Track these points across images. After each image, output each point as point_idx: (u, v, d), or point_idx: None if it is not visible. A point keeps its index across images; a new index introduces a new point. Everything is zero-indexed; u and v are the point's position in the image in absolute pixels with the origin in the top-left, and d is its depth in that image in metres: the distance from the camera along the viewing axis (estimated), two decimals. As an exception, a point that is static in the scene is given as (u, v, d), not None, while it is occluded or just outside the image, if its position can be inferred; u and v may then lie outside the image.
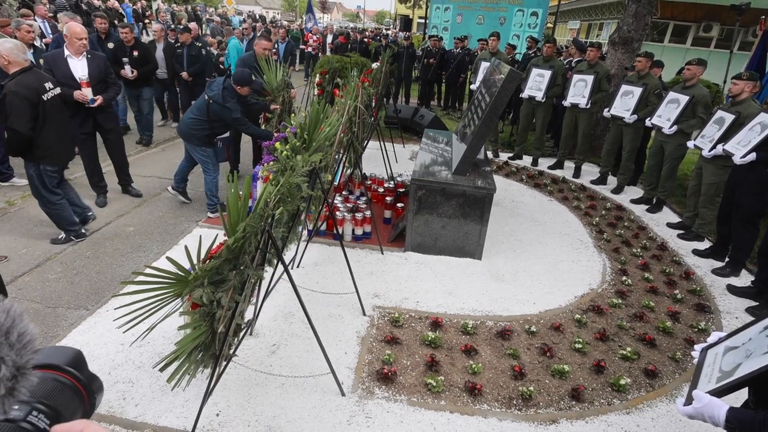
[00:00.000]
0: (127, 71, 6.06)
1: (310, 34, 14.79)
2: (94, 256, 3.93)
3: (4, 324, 0.44)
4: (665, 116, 5.35)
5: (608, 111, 6.05)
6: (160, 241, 4.25)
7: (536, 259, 4.37)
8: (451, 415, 2.60)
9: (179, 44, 7.15)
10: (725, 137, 4.46)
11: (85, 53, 4.36)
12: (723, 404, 1.53)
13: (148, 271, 1.66)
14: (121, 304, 1.67)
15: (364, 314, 3.37)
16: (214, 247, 1.89)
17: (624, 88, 5.92)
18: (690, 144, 5.06)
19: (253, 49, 5.21)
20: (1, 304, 0.45)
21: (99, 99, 4.40)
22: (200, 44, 7.39)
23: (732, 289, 4.11)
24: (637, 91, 5.74)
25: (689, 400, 1.63)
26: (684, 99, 5.17)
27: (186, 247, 1.78)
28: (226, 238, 1.86)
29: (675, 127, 5.21)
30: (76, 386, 0.61)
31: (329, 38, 13.21)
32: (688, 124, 5.18)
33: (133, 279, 1.62)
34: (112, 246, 4.10)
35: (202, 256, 1.84)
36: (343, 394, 2.64)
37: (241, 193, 1.94)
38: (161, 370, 1.84)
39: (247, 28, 8.20)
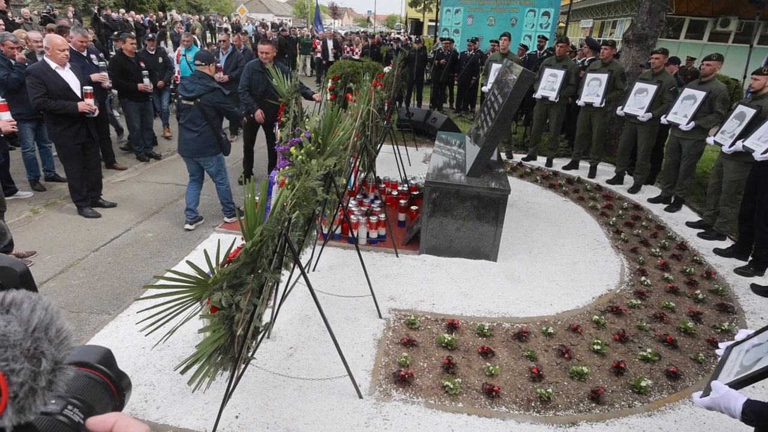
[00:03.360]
0: (147, 83, 6.06)
1: (317, 41, 15.10)
2: (115, 261, 4.02)
3: (44, 320, 0.46)
4: (681, 113, 5.25)
5: (621, 109, 5.97)
6: (178, 246, 4.33)
7: (552, 260, 4.33)
8: (468, 417, 2.59)
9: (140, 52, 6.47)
10: (745, 133, 4.37)
11: (68, 63, 4.38)
12: (741, 396, 1.50)
13: (168, 274, 1.69)
14: (143, 308, 1.70)
15: (380, 317, 3.38)
16: (233, 251, 1.93)
17: (638, 85, 5.84)
18: (710, 140, 4.97)
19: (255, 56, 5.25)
20: (40, 302, 0.47)
21: (96, 108, 4.48)
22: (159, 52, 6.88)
23: (756, 289, 4.01)
24: (652, 88, 5.66)
25: (707, 392, 1.61)
26: (701, 95, 5.08)
27: (205, 251, 1.81)
28: (243, 242, 1.89)
29: (692, 124, 5.12)
30: (107, 383, 0.63)
31: (330, 44, 13.40)
32: (705, 119, 5.08)
33: (155, 283, 1.66)
34: (132, 252, 4.19)
35: (221, 260, 1.87)
36: (360, 397, 2.65)
37: (257, 197, 1.97)
38: (182, 372, 1.88)
39: (188, 40, 7.63)
